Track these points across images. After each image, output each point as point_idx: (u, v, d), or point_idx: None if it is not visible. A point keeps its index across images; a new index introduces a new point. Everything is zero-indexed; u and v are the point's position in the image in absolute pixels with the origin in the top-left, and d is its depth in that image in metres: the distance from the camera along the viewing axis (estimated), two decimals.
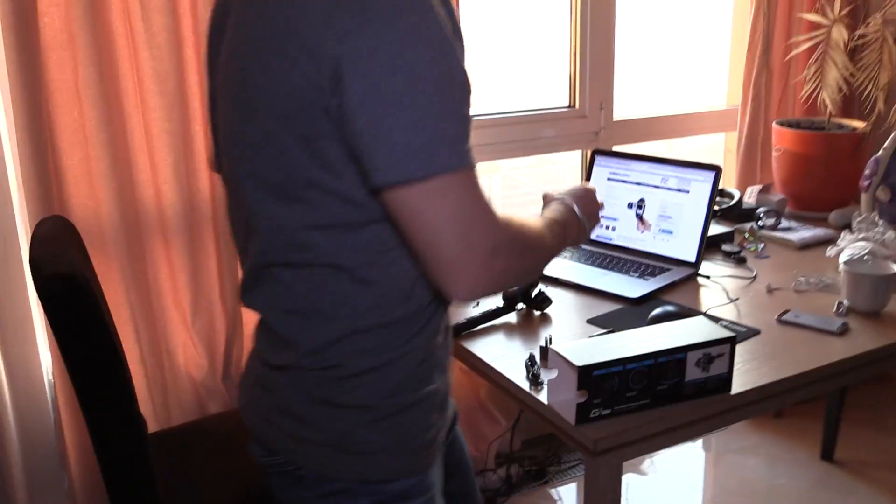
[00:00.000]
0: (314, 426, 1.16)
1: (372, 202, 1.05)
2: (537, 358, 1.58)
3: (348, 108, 0.97)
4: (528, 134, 2.59)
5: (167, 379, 2.05)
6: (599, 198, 1.48)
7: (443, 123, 0.98)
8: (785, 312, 1.78)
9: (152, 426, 2.02)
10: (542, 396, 1.47)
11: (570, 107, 2.70)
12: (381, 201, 1.03)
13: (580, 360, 1.34)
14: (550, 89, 2.72)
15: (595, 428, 1.36)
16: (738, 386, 1.48)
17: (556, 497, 2.62)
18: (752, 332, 1.71)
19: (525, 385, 1.51)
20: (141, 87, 1.91)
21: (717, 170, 2.04)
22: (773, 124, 2.58)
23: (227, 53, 1.13)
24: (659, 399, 1.42)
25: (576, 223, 1.38)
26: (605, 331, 1.69)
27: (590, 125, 2.70)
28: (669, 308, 1.74)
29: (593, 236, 2.20)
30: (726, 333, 1.44)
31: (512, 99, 2.64)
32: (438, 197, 0.99)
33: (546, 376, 1.46)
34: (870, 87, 2.33)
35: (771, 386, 1.51)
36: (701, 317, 1.52)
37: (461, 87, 1.01)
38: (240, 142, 1.11)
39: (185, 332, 2.06)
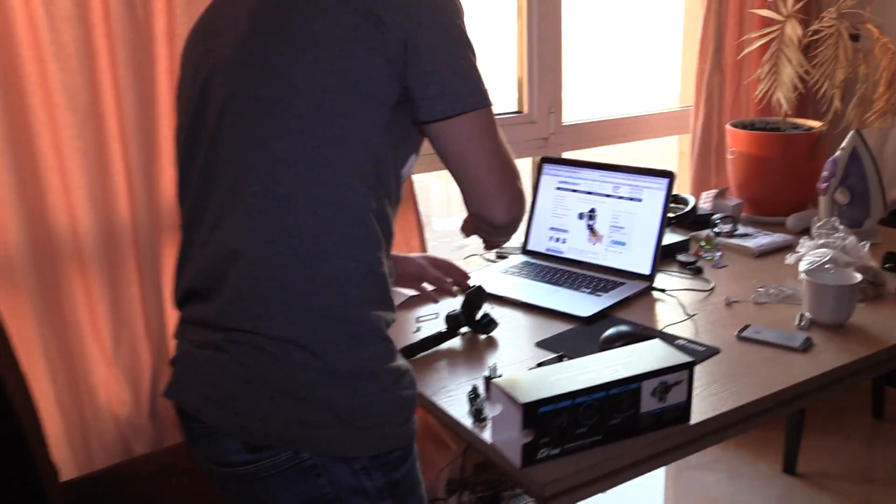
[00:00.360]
0: (322, 404, 1.14)
1: (388, 136, 1.18)
2: (481, 390, 1.46)
3: (424, 49, 1.15)
4: None
5: (88, 419, 1.89)
6: None
7: (478, 68, 1.21)
8: (745, 328, 1.68)
9: (71, 472, 1.86)
10: (487, 434, 1.35)
11: (518, 112, 2.59)
12: (438, 132, 1.20)
13: (525, 395, 1.22)
14: (498, 94, 2.60)
15: (543, 470, 1.24)
16: (697, 414, 1.38)
17: None
18: (711, 352, 1.60)
19: (468, 421, 1.39)
20: (50, 102, 1.75)
21: (670, 176, 1.94)
22: (727, 126, 2.49)
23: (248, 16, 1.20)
24: (612, 434, 1.30)
25: None
26: (554, 355, 1.57)
27: (539, 131, 2.59)
28: (623, 328, 1.63)
29: (543, 249, 2.09)
30: (684, 358, 1.33)
31: None
32: (489, 126, 1.21)
33: (490, 411, 1.33)
34: (825, 85, 2.24)
35: (732, 413, 1.40)
36: (656, 340, 1.41)
37: None
38: (264, 80, 1.16)
39: (107, 367, 1.90)
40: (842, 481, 2.61)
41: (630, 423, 1.31)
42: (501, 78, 2.58)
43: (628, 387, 1.28)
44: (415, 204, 2.26)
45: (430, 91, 1.16)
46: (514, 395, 1.22)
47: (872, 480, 2.62)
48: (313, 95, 1.14)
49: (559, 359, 1.56)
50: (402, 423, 1.21)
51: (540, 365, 1.52)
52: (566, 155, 2.66)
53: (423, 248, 2.30)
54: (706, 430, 1.38)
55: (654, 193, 1.94)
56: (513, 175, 1.24)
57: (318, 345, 1.15)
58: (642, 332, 1.63)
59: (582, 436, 1.27)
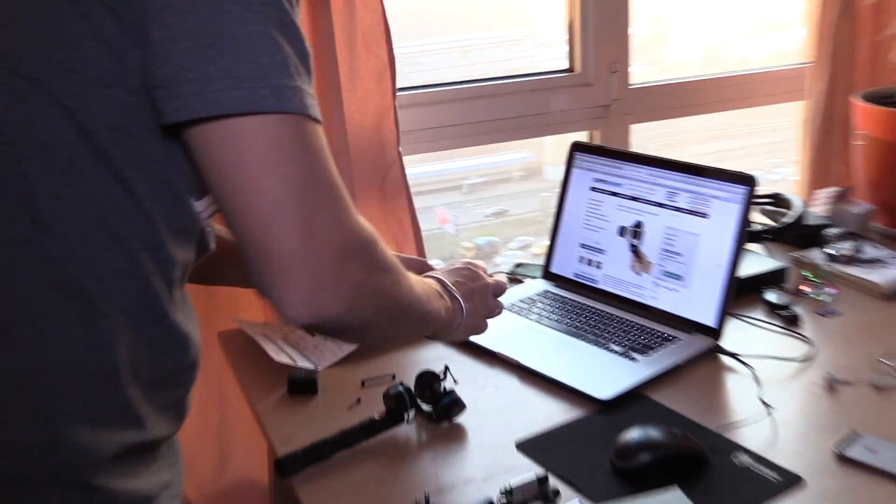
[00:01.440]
0: None
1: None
2: None
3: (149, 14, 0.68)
4: (509, 111, 1.87)
5: None
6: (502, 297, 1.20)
7: (284, 47, 0.71)
8: (852, 439, 1.05)
9: None
10: None
11: (568, 70, 1.98)
12: (192, 148, 0.72)
13: None
14: (543, 48, 1.99)
15: None
16: None
17: None
18: (788, 482, 0.99)
19: None
20: None
21: (750, 183, 1.30)
22: (852, 98, 1.79)
23: None
24: None
25: (449, 303, 1.08)
26: (533, 478, 0.99)
27: (598, 96, 1.96)
28: (653, 433, 1.07)
29: (570, 274, 1.49)
30: None
31: (483, 64, 1.92)
32: (283, 149, 0.70)
33: None
34: None
35: None
36: (677, 492, 0.81)
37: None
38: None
39: None
40: None
41: None
42: (546, 26, 1.96)
43: None
44: (408, 195, 1.69)
45: (160, 73, 0.69)
46: None
47: None
48: None
49: (540, 482, 0.99)
50: None
51: (506, 495, 0.96)
52: (635, 130, 2.03)
53: (422, 254, 1.74)
54: None
55: (725, 207, 1.31)
56: (330, 245, 0.74)
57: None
58: (680, 444, 1.05)
59: None
